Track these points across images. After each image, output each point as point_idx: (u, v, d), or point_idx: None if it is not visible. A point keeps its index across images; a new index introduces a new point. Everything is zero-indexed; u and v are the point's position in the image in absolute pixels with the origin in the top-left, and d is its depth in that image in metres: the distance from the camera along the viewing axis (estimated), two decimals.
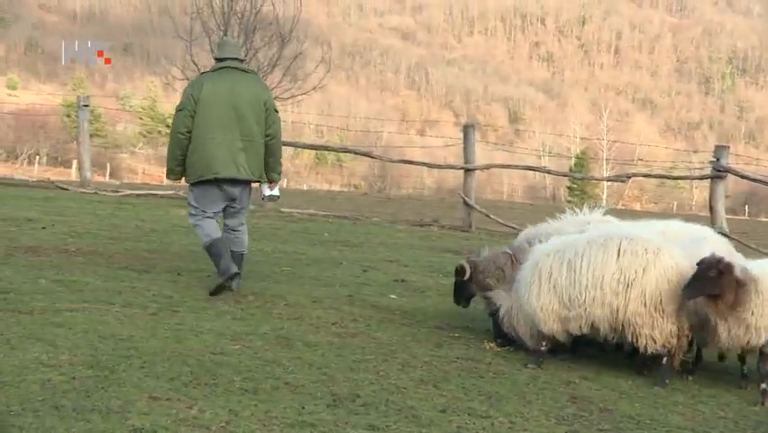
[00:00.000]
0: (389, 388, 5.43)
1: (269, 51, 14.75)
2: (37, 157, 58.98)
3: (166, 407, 4.63)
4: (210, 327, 6.50)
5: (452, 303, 7.50)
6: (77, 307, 6.71)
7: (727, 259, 5.95)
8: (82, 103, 18.56)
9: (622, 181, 21.97)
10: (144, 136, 71.54)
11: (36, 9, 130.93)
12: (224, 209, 7.91)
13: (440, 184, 59.80)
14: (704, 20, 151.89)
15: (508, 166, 22.53)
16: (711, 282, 5.80)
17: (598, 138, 69.83)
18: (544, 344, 6.40)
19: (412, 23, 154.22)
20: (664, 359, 6.14)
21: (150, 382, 5.05)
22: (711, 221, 13.81)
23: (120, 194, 16.62)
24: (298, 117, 69.39)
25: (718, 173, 14.33)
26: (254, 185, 8.08)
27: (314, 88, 14.83)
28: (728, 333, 5.92)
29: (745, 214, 53.22)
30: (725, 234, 13.24)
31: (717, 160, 14.37)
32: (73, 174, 40.73)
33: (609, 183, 53.49)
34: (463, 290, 7.29)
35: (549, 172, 24.08)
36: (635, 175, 22.22)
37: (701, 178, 16.92)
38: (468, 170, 16.75)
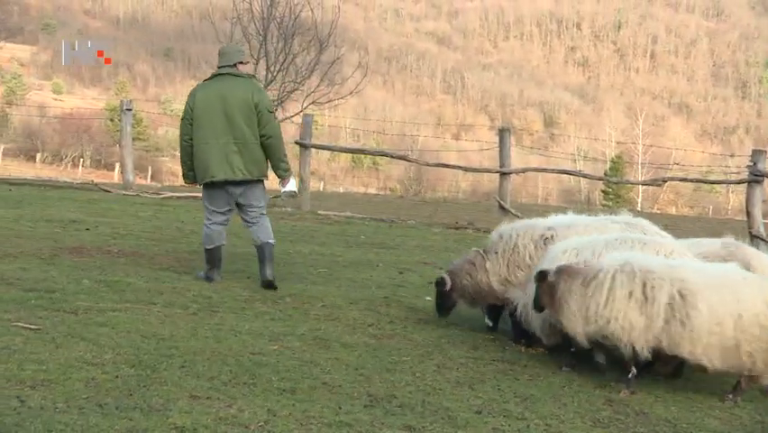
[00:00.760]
0: (425, 389, 5.47)
1: (307, 57, 14.84)
2: (81, 160, 59.91)
3: (206, 405, 4.71)
4: (249, 328, 6.59)
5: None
6: (119, 307, 6.84)
7: (543, 267, 6.24)
8: (125, 107, 18.71)
9: (658, 185, 21.84)
10: None
11: (81, 15, 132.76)
12: (239, 208, 8.30)
13: (475, 187, 59.55)
14: (741, 24, 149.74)
15: (544, 170, 22.46)
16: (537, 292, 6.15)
17: (633, 142, 69.12)
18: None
19: (448, 28, 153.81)
20: None
21: (191, 380, 5.13)
22: (748, 226, 13.85)
23: (161, 196, 16.79)
24: (335, 121, 69.75)
25: (755, 177, 14.22)
26: (267, 184, 8.48)
27: (351, 93, 14.91)
28: (573, 329, 6.01)
29: None
30: (761, 238, 13.20)
31: (755, 164, 14.26)
32: (116, 177, 41.31)
33: (644, 187, 53.13)
34: (445, 299, 7.45)
35: (584, 176, 23.99)
36: (671, 179, 22.06)
37: (738, 182, 16.95)
38: (503, 174, 16.74)
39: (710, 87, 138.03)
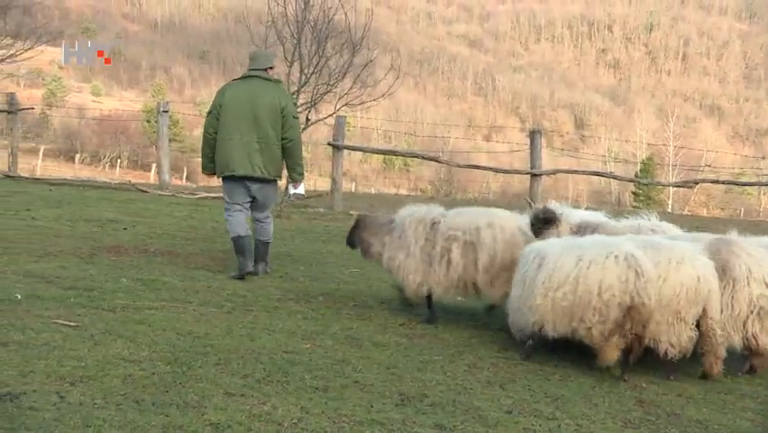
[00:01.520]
0: (456, 388, 5.51)
1: (340, 59, 14.92)
2: (118, 160, 60.56)
3: (240, 402, 4.78)
4: (282, 326, 6.68)
5: None
6: (156, 305, 6.96)
7: None
8: (162, 109, 18.91)
9: (689, 187, 21.66)
10: None
11: (120, 19, 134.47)
12: (251, 203, 8.66)
13: (505, 189, 59.38)
14: None
15: (575, 171, 22.34)
16: None
17: (664, 144, 68.41)
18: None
19: (479, 31, 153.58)
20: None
21: (226, 378, 5.21)
22: None
23: (196, 196, 16.98)
24: (367, 123, 69.85)
25: None
26: (281, 184, 8.95)
27: (383, 95, 14.93)
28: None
29: None
30: None
31: None
32: (152, 177, 41.65)
33: (675, 189, 52.58)
34: (353, 238, 7.96)
35: (615, 178, 23.77)
36: (702, 181, 21.86)
37: None
38: (534, 175, 16.72)
39: (742, 89, 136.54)
